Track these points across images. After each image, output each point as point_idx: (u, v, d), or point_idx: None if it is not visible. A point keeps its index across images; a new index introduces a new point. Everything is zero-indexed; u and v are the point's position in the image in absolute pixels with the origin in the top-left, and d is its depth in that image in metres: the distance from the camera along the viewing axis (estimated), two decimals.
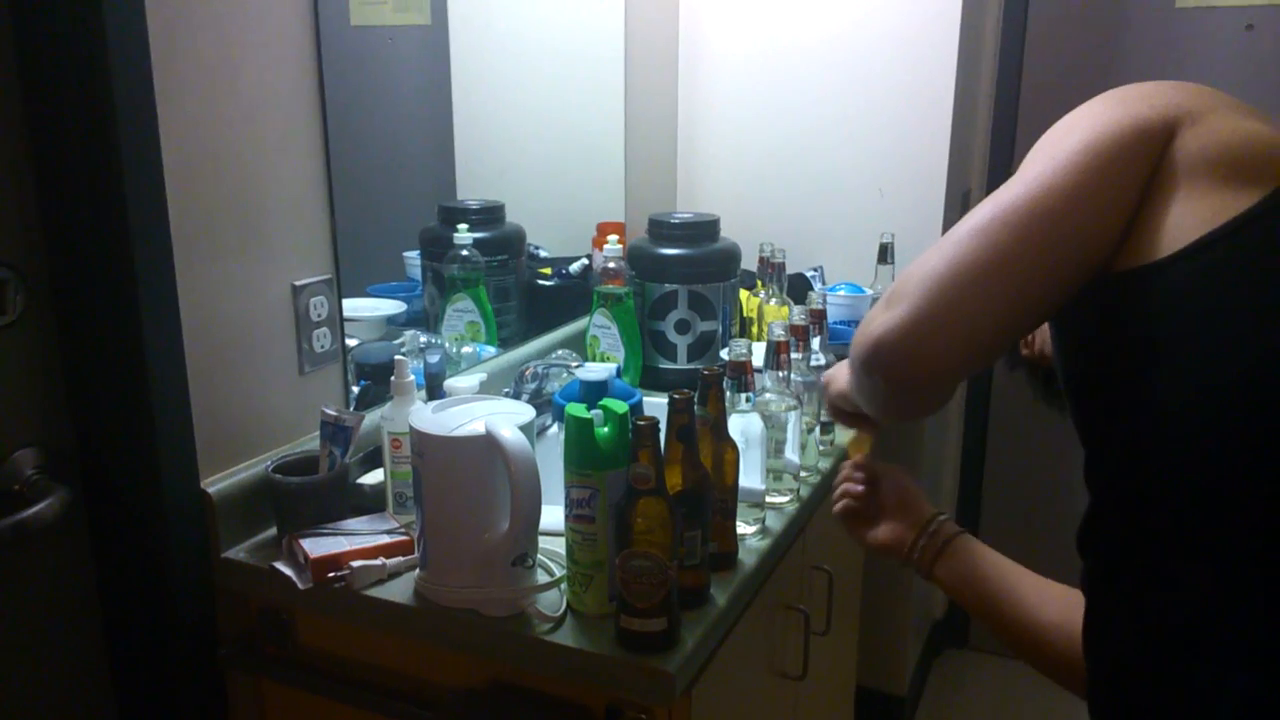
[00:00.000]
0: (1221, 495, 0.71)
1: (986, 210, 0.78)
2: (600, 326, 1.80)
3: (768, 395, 1.38)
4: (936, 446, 2.61)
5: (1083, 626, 0.84)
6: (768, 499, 1.35)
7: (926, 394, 0.83)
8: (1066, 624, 0.92)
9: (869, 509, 1.12)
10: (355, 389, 1.48)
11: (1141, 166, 0.76)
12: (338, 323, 1.40)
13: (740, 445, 1.23)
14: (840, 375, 1.10)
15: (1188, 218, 0.74)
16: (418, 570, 1.16)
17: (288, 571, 1.18)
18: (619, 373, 1.62)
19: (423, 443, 1.09)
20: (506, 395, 1.59)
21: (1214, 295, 0.73)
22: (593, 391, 1.42)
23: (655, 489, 1.02)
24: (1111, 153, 0.76)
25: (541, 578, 1.15)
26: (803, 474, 1.45)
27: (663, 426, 1.05)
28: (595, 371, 1.47)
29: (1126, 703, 0.79)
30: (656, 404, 1.61)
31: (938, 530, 1.07)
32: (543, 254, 2.02)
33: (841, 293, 2.18)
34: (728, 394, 1.25)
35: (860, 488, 1.13)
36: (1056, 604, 0.96)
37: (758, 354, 1.48)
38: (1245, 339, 0.71)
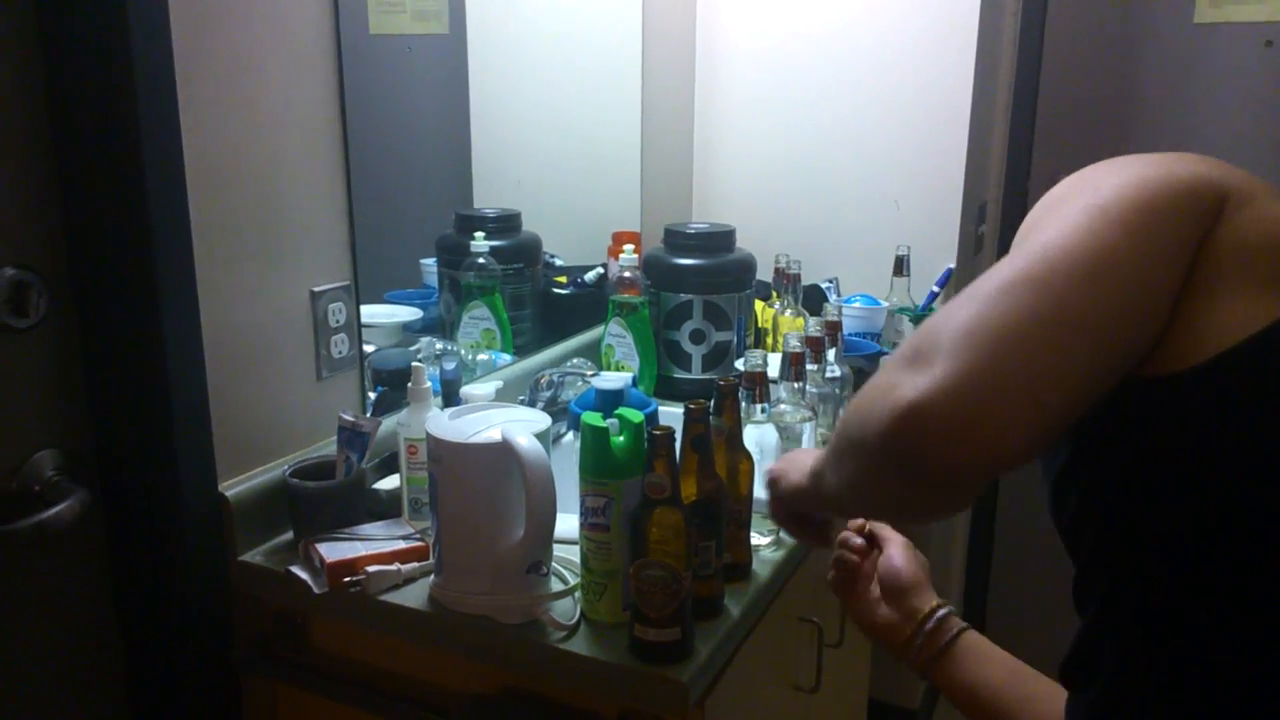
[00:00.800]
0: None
1: (1022, 264, 0.64)
2: (615, 335, 1.80)
3: (783, 406, 1.38)
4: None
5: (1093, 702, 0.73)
6: None
7: (968, 483, 0.63)
8: None
9: (866, 581, 1.00)
10: (372, 395, 1.49)
11: (1193, 231, 0.66)
12: (355, 329, 1.41)
13: (755, 456, 1.23)
14: (794, 469, 0.89)
15: (1233, 317, 0.63)
16: (433, 576, 1.17)
17: (303, 575, 1.18)
18: (634, 382, 1.63)
19: (439, 449, 1.10)
20: (521, 403, 1.59)
21: (1259, 406, 0.63)
22: (608, 400, 1.42)
23: (670, 498, 1.02)
24: (1167, 208, 0.65)
25: (556, 586, 1.15)
26: None
27: (678, 436, 1.05)
28: (611, 380, 1.47)
29: None
30: (671, 414, 1.62)
31: (938, 628, 0.93)
32: (558, 263, 2.02)
33: (857, 304, 2.17)
34: (743, 405, 1.25)
35: (855, 557, 1.01)
36: None
37: (773, 365, 1.48)
38: None
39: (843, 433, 0.71)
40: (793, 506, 0.94)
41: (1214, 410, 0.64)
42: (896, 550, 0.99)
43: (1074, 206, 0.66)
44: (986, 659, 0.92)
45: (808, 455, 0.85)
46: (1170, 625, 0.67)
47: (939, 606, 0.95)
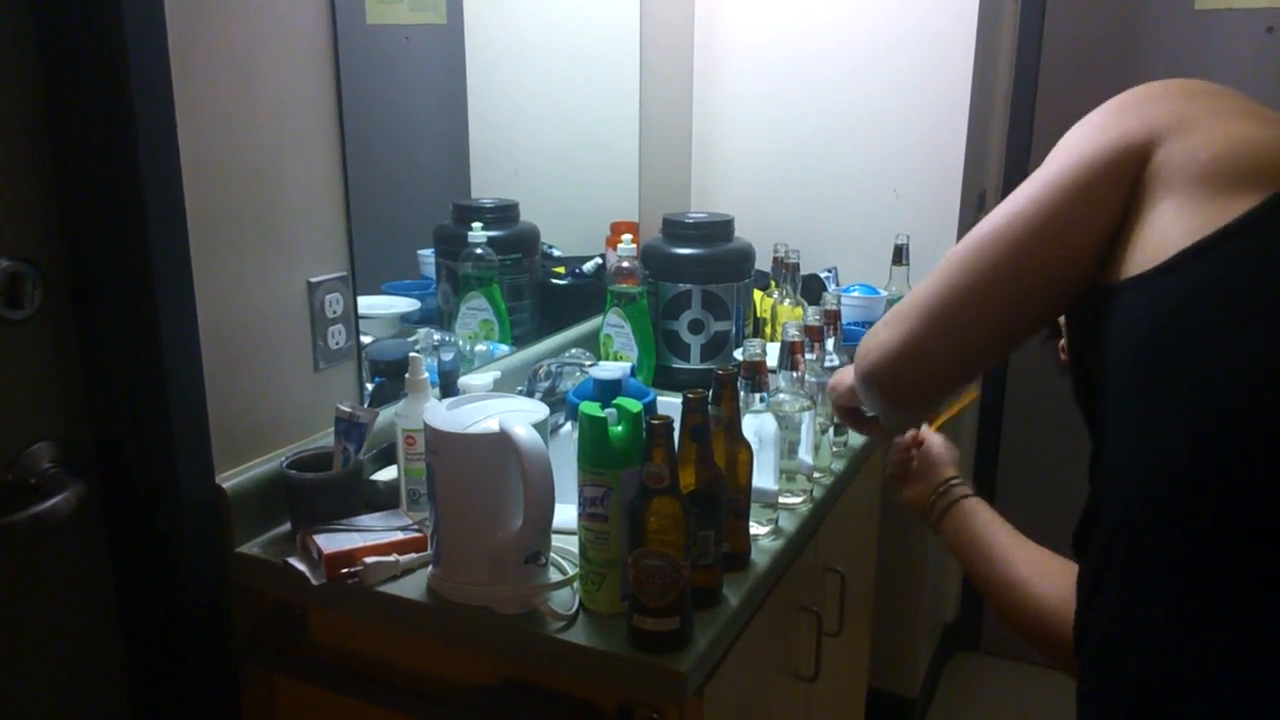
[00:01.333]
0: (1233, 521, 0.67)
1: (971, 236, 0.83)
2: (614, 326, 1.80)
3: (782, 396, 1.38)
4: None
5: (1088, 626, 0.78)
6: (781, 499, 1.35)
7: (918, 408, 0.99)
8: (1066, 604, 0.86)
9: (914, 473, 1.23)
10: (369, 386, 1.48)
11: (1116, 190, 0.76)
12: (353, 320, 1.41)
13: (754, 446, 1.23)
14: (847, 376, 1.18)
15: (1173, 229, 0.71)
16: (431, 567, 1.17)
17: (301, 567, 1.18)
18: (633, 372, 1.62)
19: (437, 440, 1.10)
20: (520, 393, 1.59)
21: (1206, 308, 0.69)
22: (607, 390, 1.42)
23: (669, 488, 1.02)
24: (1083, 180, 0.77)
25: (554, 576, 1.15)
26: (816, 475, 1.45)
27: (676, 426, 1.05)
28: (609, 370, 1.47)
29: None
30: (670, 404, 1.61)
31: (948, 491, 1.14)
32: (556, 253, 2.02)
33: (856, 294, 2.17)
34: (742, 394, 1.25)
35: (903, 453, 1.24)
36: (1054, 579, 0.94)
37: (772, 354, 1.47)
38: (1244, 356, 0.67)
39: (854, 363, 0.97)
40: (842, 404, 1.23)
41: (1160, 312, 0.71)
42: (934, 441, 1.24)
43: (1031, 178, 0.81)
44: (980, 517, 1.09)
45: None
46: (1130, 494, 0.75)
47: (953, 478, 1.17)
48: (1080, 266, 0.78)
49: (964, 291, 0.82)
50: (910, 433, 1.26)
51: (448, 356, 1.48)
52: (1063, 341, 1.03)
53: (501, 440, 1.06)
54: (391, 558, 1.18)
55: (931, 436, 1.25)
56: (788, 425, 1.36)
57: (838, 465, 1.53)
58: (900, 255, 2.08)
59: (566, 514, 1.15)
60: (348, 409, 1.26)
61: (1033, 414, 2.74)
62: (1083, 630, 0.79)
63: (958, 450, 1.25)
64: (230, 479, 1.23)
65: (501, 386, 1.48)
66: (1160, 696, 0.69)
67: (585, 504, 1.08)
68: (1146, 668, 0.70)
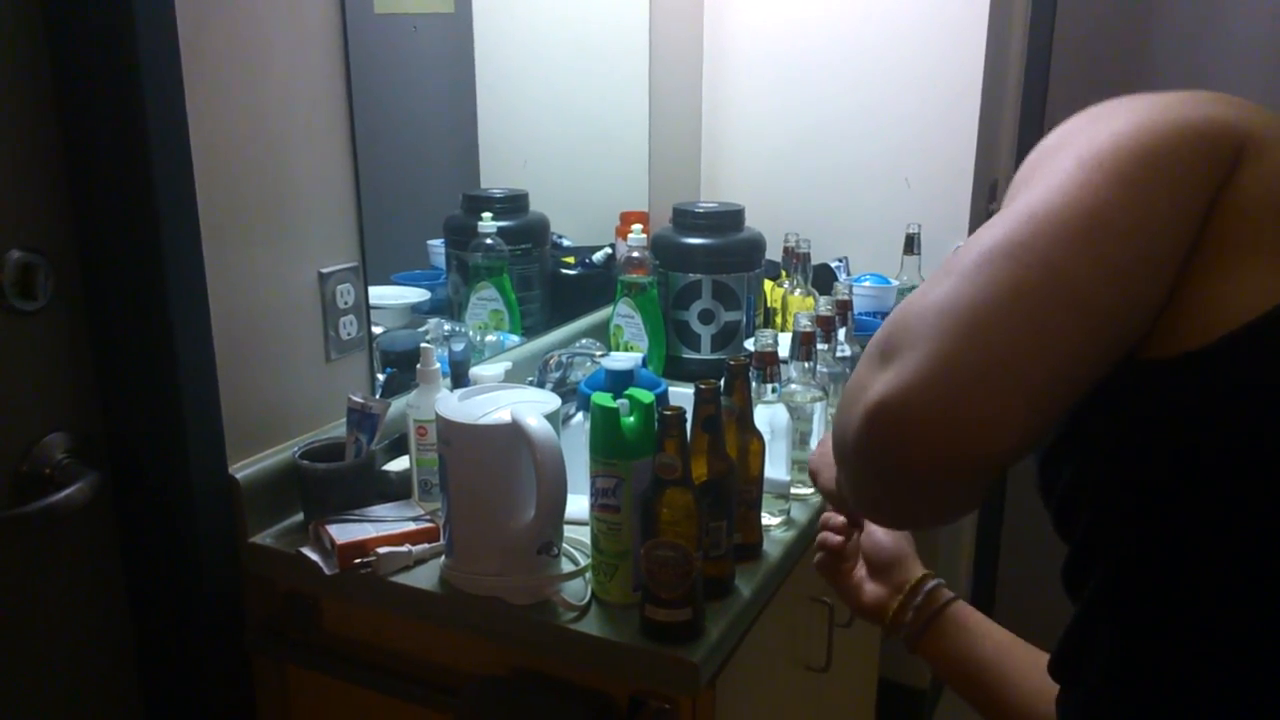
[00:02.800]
0: None
1: (1004, 229, 0.56)
2: (624, 316, 1.79)
3: (793, 386, 1.37)
4: None
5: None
6: (793, 490, 1.35)
7: (959, 483, 0.56)
8: None
9: (852, 560, 0.99)
10: (381, 376, 1.48)
11: (1204, 186, 0.57)
12: (364, 310, 1.41)
13: (766, 436, 1.22)
14: (827, 468, 0.88)
15: (1247, 290, 0.55)
16: (443, 557, 1.17)
17: (314, 557, 1.18)
18: (644, 362, 1.62)
19: (449, 430, 1.10)
20: (530, 384, 1.59)
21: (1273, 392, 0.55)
22: (618, 381, 1.42)
23: (681, 479, 1.02)
24: (1171, 158, 0.57)
25: (566, 566, 1.15)
26: None
27: (688, 417, 1.05)
28: (621, 360, 1.47)
29: None
30: (680, 394, 1.61)
31: (925, 600, 0.92)
32: (566, 243, 2.01)
33: (867, 284, 2.16)
34: (753, 385, 1.25)
35: (838, 537, 0.99)
36: None
37: (783, 345, 1.47)
38: None
39: (834, 439, 0.65)
40: (832, 498, 0.92)
41: (1223, 397, 0.56)
42: (879, 526, 0.98)
43: (1064, 158, 0.58)
44: (974, 631, 0.90)
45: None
46: (1170, 616, 0.61)
47: (926, 578, 0.94)
48: (1170, 278, 0.57)
49: (1037, 284, 0.54)
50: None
51: (458, 347, 1.48)
52: None
53: (513, 431, 1.06)
54: (404, 548, 1.18)
55: None
56: (800, 416, 1.35)
57: None
58: (911, 245, 2.08)
59: (578, 505, 1.15)
60: (360, 400, 1.26)
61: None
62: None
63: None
64: (243, 469, 1.23)
65: (512, 377, 1.48)
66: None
67: (597, 495, 1.08)
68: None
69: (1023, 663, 0.86)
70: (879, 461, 0.57)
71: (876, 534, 0.98)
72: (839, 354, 1.52)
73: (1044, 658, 0.81)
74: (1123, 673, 0.64)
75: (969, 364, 0.54)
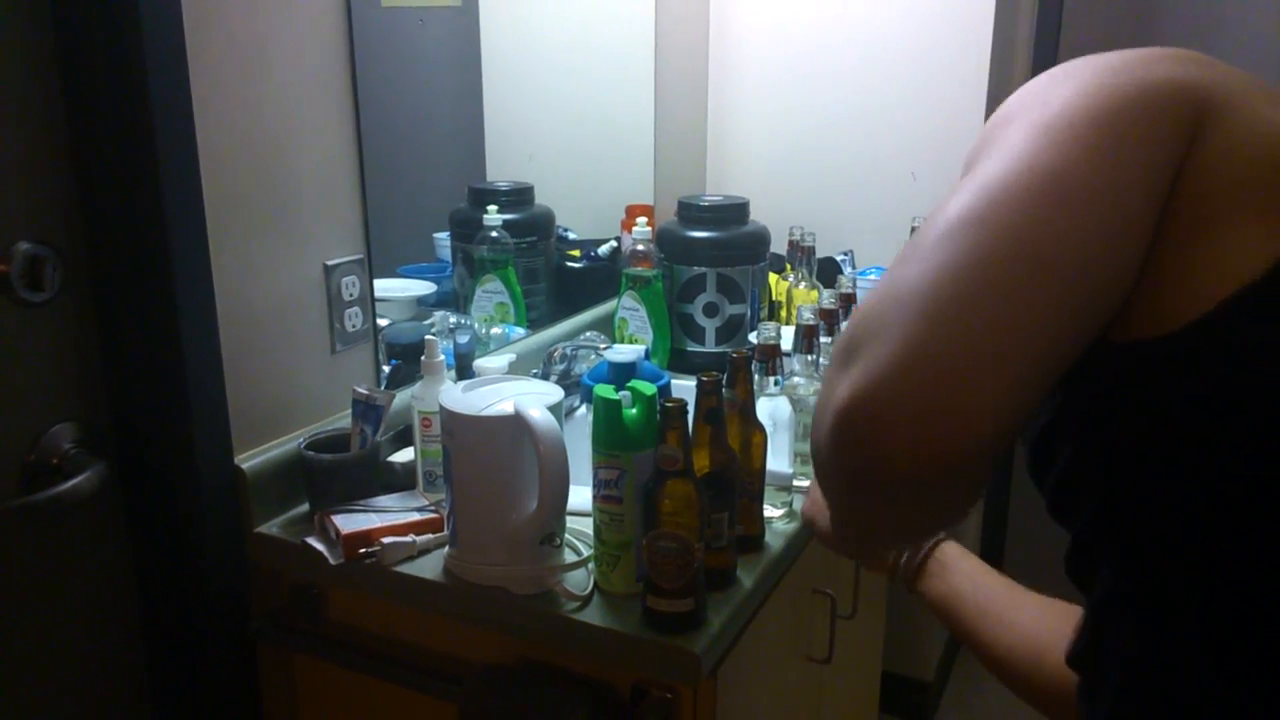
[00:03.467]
0: None
1: (961, 203, 0.54)
2: (628, 309, 1.80)
3: (796, 379, 1.38)
4: None
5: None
6: (795, 482, 1.35)
7: (947, 479, 0.51)
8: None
9: None
10: (386, 368, 1.49)
11: (1168, 149, 0.54)
12: (369, 302, 1.41)
13: (768, 429, 1.23)
14: (821, 513, 0.89)
15: (1231, 255, 0.53)
16: (447, 547, 1.17)
17: (320, 547, 1.19)
18: (647, 354, 1.63)
19: (453, 422, 1.10)
20: (535, 376, 1.59)
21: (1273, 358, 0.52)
22: (621, 373, 1.42)
23: (683, 471, 1.02)
24: (1132, 119, 0.54)
25: (569, 557, 1.16)
26: None
27: (690, 409, 1.05)
28: (624, 353, 1.47)
29: None
30: (684, 386, 1.62)
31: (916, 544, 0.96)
32: (571, 236, 2.02)
33: (872, 277, 2.16)
34: (756, 377, 1.25)
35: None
36: (1051, 623, 0.83)
37: (786, 338, 1.47)
38: None
39: (812, 458, 0.60)
40: (835, 543, 0.89)
41: (1234, 366, 0.52)
42: (882, 547, 0.99)
43: (1020, 127, 0.56)
44: (953, 568, 0.94)
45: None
46: (1190, 606, 0.58)
47: None
48: (1139, 241, 0.54)
49: (1003, 254, 0.51)
50: None
51: (463, 339, 1.49)
52: None
53: (517, 422, 1.06)
54: (408, 538, 1.19)
55: None
56: (802, 408, 1.36)
57: None
58: None
59: (581, 496, 1.16)
60: (365, 391, 1.27)
61: None
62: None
63: None
64: (248, 460, 1.24)
65: (517, 369, 1.49)
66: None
67: (600, 486, 1.09)
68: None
69: (1002, 599, 0.89)
70: (857, 467, 0.52)
71: None
72: None
73: (1028, 597, 0.88)
74: (1143, 666, 0.61)
75: (938, 348, 0.50)
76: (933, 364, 0.50)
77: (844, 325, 1.53)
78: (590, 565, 1.14)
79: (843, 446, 0.52)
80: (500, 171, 1.90)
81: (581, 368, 1.67)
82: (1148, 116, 0.54)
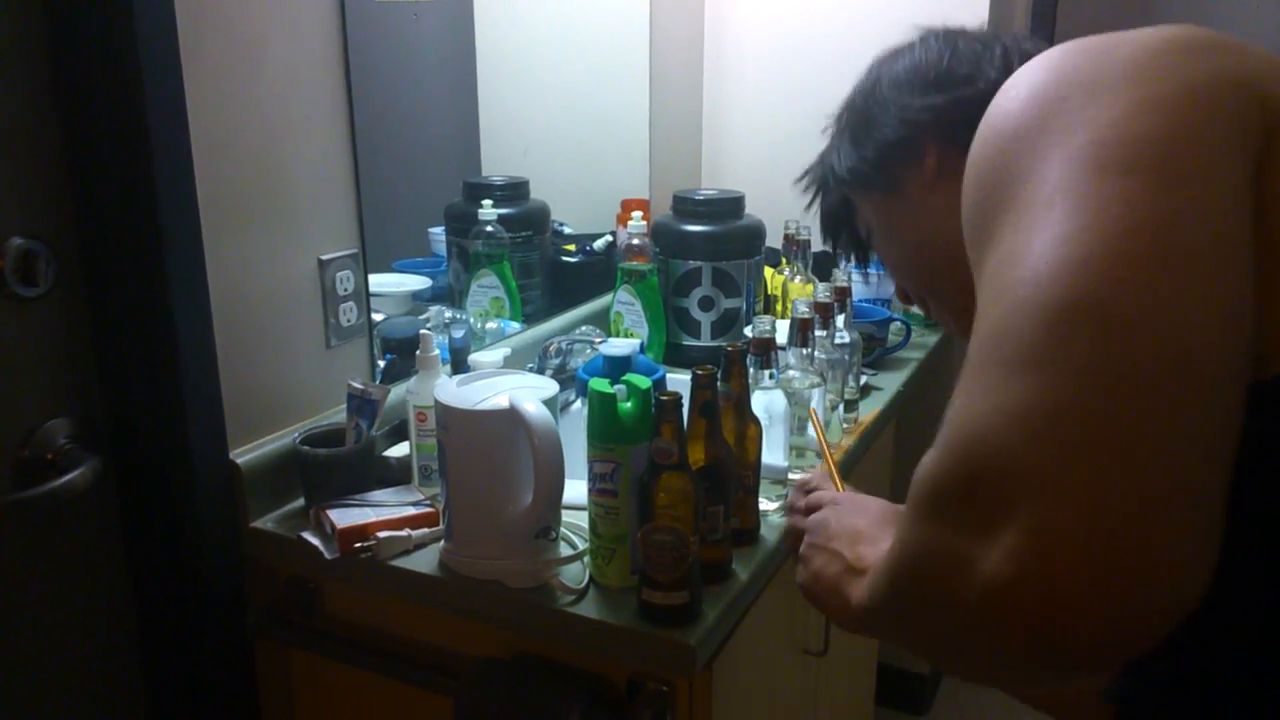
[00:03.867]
0: None
1: (1064, 284, 0.43)
2: (624, 303, 1.80)
3: (791, 372, 1.38)
4: None
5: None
6: (790, 476, 1.35)
7: (1148, 643, 0.41)
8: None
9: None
10: (381, 363, 1.49)
11: (1244, 166, 0.47)
12: (364, 297, 1.41)
13: (764, 422, 1.23)
14: (830, 583, 0.81)
15: None
16: (443, 542, 1.17)
17: (315, 541, 1.19)
18: (642, 348, 1.63)
19: (448, 416, 1.10)
20: (530, 370, 1.59)
21: None
22: (616, 367, 1.42)
23: (678, 464, 1.03)
24: (1207, 137, 0.46)
25: (564, 550, 1.16)
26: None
27: (685, 402, 1.05)
28: (618, 347, 1.47)
29: None
30: (679, 380, 1.62)
31: None
32: (567, 230, 2.02)
33: (869, 272, 2.16)
34: (751, 371, 1.25)
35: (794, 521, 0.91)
36: None
37: (782, 331, 1.47)
38: None
39: (894, 605, 0.52)
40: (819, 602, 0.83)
41: None
42: (834, 495, 0.93)
43: (1068, 161, 0.46)
44: None
45: (857, 547, 0.75)
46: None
47: None
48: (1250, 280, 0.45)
49: (1147, 356, 0.41)
50: (805, 477, 0.94)
51: (459, 334, 1.49)
52: None
53: (512, 416, 1.06)
54: (404, 532, 1.19)
55: (836, 497, 0.91)
56: (797, 402, 1.36)
57: (848, 442, 1.53)
58: None
59: (576, 489, 1.16)
60: (360, 386, 1.27)
61: None
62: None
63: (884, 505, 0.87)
64: (243, 455, 1.24)
65: (512, 364, 1.49)
66: None
67: (595, 479, 1.09)
68: None
69: None
70: (1025, 656, 0.41)
71: (851, 501, 0.90)
72: (837, 340, 1.52)
73: None
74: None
75: (1114, 498, 0.39)
76: (1120, 516, 0.39)
77: (840, 319, 1.53)
78: (585, 559, 1.14)
79: (1006, 634, 0.41)
80: (495, 166, 1.90)
81: (577, 362, 1.67)
82: (1225, 140, 0.47)
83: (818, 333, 1.43)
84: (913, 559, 0.48)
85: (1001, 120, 0.53)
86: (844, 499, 0.91)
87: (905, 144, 0.85)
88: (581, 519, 1.16)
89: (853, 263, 1.03)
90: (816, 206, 1.03)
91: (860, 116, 0.92)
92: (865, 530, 0.81)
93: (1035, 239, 0.45)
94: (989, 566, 0.41)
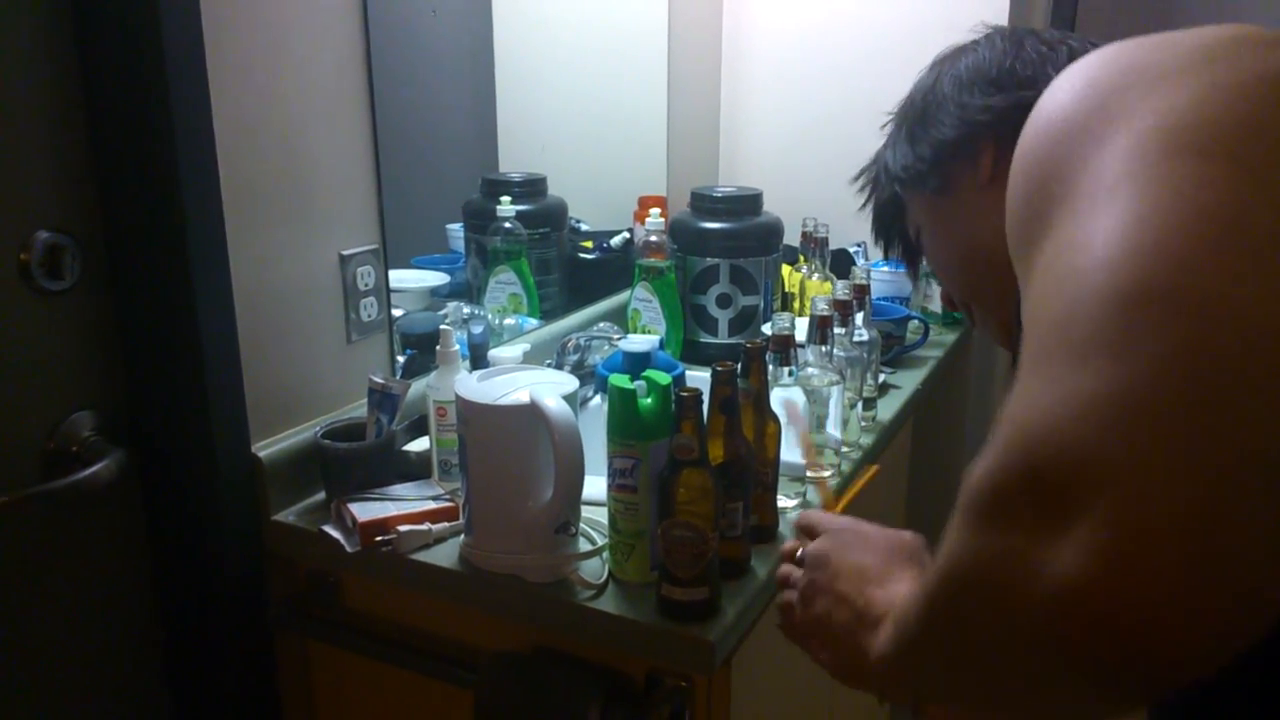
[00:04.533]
0: None
1: (1136, 266, 0.41)
2: (642, 300, 1.80)
3: (810, 370, 1.38)
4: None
5: None
6: (809, 473, 1.35)
7: (1227, 659, 0.37)
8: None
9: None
10: (400, 358, 1.50)
11: None
12: (384, 292, 1.42)
13: (782, 419, 1.23)
14: (837, 636, 0.75)
15: None
16: (462, 536, 1.18)
17: (336, 534, 1.20)
18: (661, 345, 1.63)
19: (468, 411, 1.11)
20: (549, 366, 1.60)
21: None
22: (635, 363, 1.42)
23: (698, 460, 1.03)
24: (1269, 128, 0.44)
25: (584, 546, 1.16)
26: (844, 449, 1.45)
27: (705, 399, 1.06)
28: (638, 343, 1.47)
29: None
30: (698, 377, 1.62)
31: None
32: (584, 227, 2.02)
33: (885, 269, 2.16)
34: (770, 368, 1.25)
35: (797, 571, 0.84)
36: None
37: (800, 329, 1.47)
38: None
39: (934, 638, 0.48)
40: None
41: None
42: (835, 530, 0.86)
43: (1131, 149, 0.44)
44: None
45: (871, 592, 0.69)
46: None
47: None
48: None
49: (1228, 343, 0.38)
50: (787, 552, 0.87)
51: (477, 329, 1.49)
52: None
53: (532, 411, 1.07)
54: (424, 526, 1.19)
55: (829, 522, 0.86)
56: (816, 399, 1.36)
57: (866, 440, 1.53)
58: None
59: (596, 485, 1.16)
60: (380, 380, 1.27)
61: None
62: None
63: (909, 536, 0.81)
64: (265, 448, 1.24)
65: (530, 360, 1.49)
66: None
67: (614, 475, 1.09)
68: None
69: None
70: (1100, 668, 0.37)
71: (842, 545, 0.82)
72: (856, 338, 1.52)
73: None
74: None
75: (1205, 481, 0.36)
76: (1203, 506, 0.36)
77: (859, 317, 1.53)
78: (605, 554, 1.14)
79: (1088, 637, 0.37)
80: (513, 163, 1.91)
81: (595, 358, 1.67)
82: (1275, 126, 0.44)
83: (837, 330, 1.43)
84: (963, 575, 0.43)
85: (1055, 110, 0.51)
86: (843, 528, 0.85)
87: (962, 143, 0.83)
88: (601, 514, 1.17)
89: (901, 264, 1.01)
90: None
91: (918, 114, 0.90)
92: (872, 569, 0.76)
93: (1101, 224, 0.43)
94: (1060, 568, 0.37)
